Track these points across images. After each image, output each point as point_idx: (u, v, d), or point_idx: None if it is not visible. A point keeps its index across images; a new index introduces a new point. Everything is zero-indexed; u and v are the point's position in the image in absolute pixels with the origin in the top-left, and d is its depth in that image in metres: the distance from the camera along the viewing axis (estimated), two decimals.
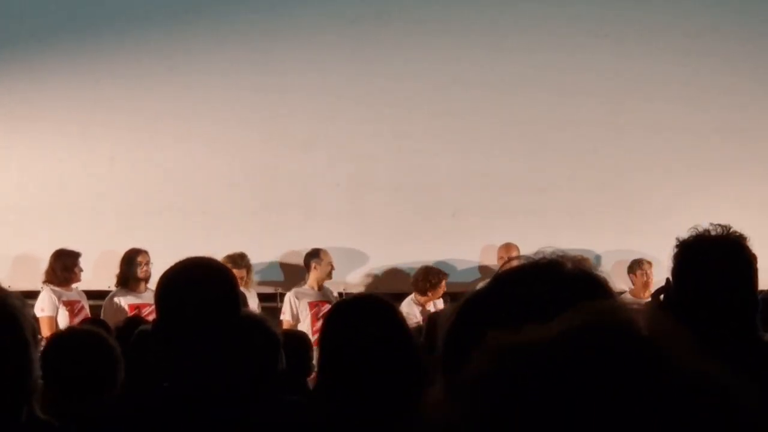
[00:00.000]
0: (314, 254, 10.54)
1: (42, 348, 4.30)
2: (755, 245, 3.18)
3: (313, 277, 10.46)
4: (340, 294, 10.35)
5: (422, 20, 11.47)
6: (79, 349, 4.07)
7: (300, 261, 10.70)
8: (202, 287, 3.08)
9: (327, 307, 7.92)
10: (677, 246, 3.11)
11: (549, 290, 1.50)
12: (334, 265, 10.57)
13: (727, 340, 2.99)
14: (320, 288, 10.44)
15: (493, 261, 11.04)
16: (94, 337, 4.16)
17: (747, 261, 3.07)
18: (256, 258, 10.60)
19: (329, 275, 10.52)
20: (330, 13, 11.44)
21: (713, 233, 3.06)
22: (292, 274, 10.94)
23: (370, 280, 11.30)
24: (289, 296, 10.31)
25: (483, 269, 11.15)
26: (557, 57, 11.50)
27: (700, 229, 3.08)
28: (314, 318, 9.93)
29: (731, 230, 3.07)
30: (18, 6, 11.37)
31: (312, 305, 10.18)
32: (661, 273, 10.04)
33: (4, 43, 11.22)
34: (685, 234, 3.10)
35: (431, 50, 11.42)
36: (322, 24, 11.41)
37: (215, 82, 11.30)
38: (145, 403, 3.15)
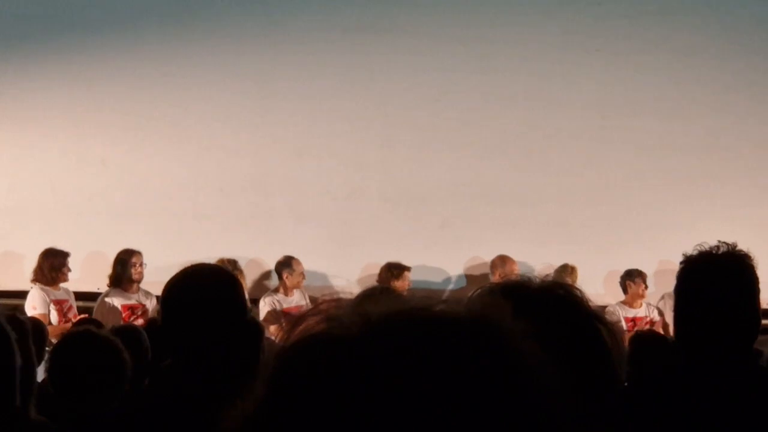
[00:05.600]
0: (286, 263, 10.47)
1: (51, 349, 4.31)
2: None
3: (284, 285, 10.43)
4: None
5: (414, 32, 11.49)
6: (92, 352, 4.07)
7: None
8: (210, 291, 3.12)
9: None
10: (683, 262, 3.12)
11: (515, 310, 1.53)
12: (318, 272, 10.57)
13: (727, 357, 3.03)
14: (291, 294, 10.42)
15: (479, 271, 11.08)
16: (105, 340, 4.17)
17: (751, 279, 3.09)
18: (245, 263, 10.61)
19: (299, 284, 10.48)
20: (323, 22, 11.46)
21: (719, 251, 3.07)
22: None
23: (357, 288, 11.27)
24: (270, 300, 10.24)
25: (470, 279, 11.17)
26: (548, 70, 11.54)
27: (706, 247, 3.09)
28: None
29: (737, 248, 3.09)
30: (9, 7, 11.36)
31: (285, 312, 10.12)
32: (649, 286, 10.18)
33: None
34: (689, 250, 3.12)
35: (423, 61, 11.45)
36: (315, 33, 11.42)
37: (208, 87, 11.31)
38: (149, 405, 3.17)
